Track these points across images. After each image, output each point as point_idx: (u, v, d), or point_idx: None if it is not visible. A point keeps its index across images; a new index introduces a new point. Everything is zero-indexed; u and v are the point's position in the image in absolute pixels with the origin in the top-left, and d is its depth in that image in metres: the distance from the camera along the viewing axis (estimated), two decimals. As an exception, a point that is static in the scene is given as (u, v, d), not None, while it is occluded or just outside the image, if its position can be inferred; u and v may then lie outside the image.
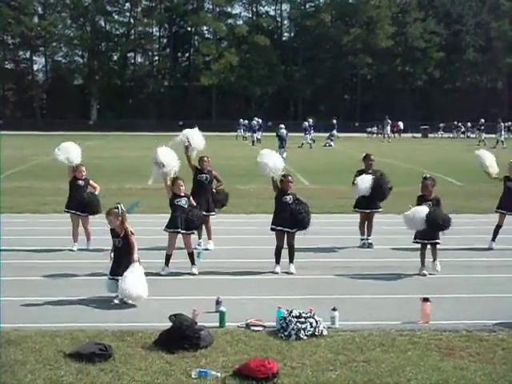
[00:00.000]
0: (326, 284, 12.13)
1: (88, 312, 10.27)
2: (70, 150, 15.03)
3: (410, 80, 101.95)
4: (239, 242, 15.49)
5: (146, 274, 10.95)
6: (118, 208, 10.91)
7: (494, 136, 59.51)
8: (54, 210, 19.55)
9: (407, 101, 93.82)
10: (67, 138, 68.36)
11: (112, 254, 11.09)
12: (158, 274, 12.42)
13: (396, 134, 76.04)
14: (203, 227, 14.89)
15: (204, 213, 14.69)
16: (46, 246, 14.94)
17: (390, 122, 71.18)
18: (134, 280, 10.57)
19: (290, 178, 13.05)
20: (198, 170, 14.88)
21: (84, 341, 8.70)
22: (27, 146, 51.57)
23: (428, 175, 13.44)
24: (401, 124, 79.01)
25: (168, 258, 12.71)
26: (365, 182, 15.10)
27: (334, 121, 66.14)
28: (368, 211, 15.45)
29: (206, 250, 14.64)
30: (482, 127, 65.58)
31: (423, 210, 12.59)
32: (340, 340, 8.95)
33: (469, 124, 75.78)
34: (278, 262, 12.92)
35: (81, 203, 14.95)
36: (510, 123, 65.64)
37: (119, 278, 10.71)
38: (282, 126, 47.15)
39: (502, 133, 58.76)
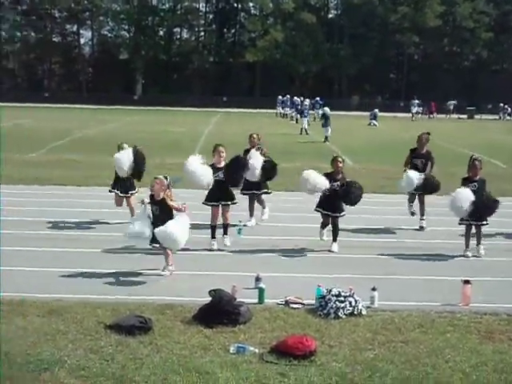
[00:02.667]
0: (367, 264, 12.08)
1: (129, 285, 10.38)
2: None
3: (457, 60, 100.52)
4: (281, 220, 15.43)
5: (195, 250, 10.97)
6: (166, 178, 11.01)
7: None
8: (96, 183, 19.71)
9: (453, 81, 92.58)
10: (112, 112, 68.50)
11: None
12: (210, 250, 12.51)
13: (434, 114, 75.28)
14: (254, 204, 14.97)
15: (253, 191, 14.75)
16: (88, 219, 15.09)
17: (417, 101, 72.01)
18: (177, 227, 10.60)
19: (339, 159, 13.03)
20: (246, 151, 14.60)
21: (124, 313, 8.79)
22: (72, 119, 52.04)
23: (476, 156, 13.31)
24: (452, 103, 78.19)
25: (213, 229, 12.71)
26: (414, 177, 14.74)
27: (318, 98, 64.04)
28: (414, 192, 15.09)
29: (245, 226, 14.56)
30: None
31: (468, 196, 12.41)
32: (379, 320, 8.93)
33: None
34: (323, 229, 13.00)
35: (123, 184, 14.80)
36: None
37: (157, 245, 10.84)
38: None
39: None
